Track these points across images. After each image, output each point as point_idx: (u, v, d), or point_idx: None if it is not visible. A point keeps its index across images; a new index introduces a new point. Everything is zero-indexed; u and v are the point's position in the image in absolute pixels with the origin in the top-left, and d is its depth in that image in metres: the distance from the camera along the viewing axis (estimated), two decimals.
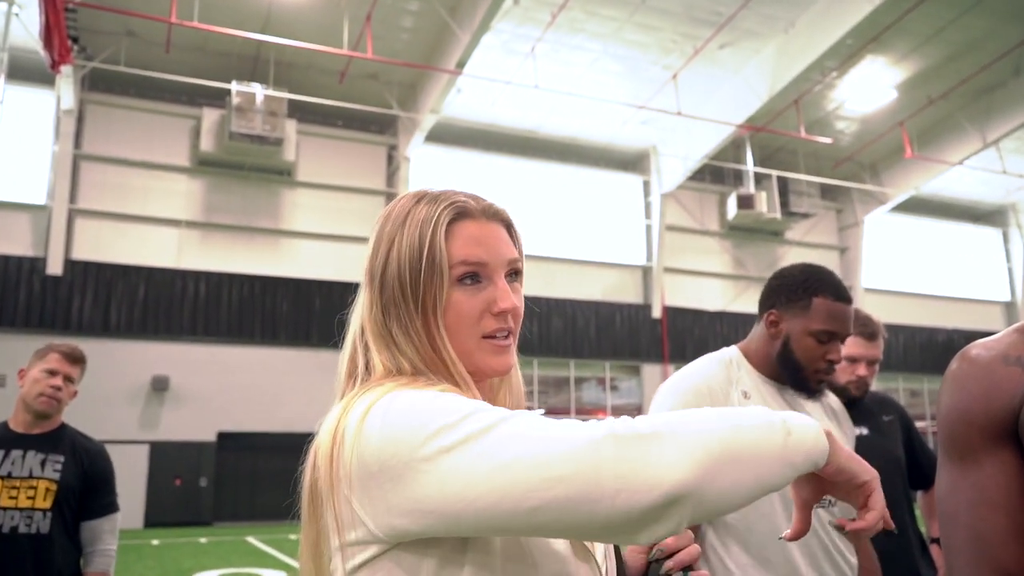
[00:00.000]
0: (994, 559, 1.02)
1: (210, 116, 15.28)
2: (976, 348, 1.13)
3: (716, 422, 0.79)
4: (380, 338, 0.96)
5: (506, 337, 0.97)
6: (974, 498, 1.06)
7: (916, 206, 21.44)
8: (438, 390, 0.87)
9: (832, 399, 2.10)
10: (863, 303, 20.47)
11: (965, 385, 1.10)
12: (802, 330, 1.88)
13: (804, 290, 1.92)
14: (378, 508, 0.80)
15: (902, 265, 22.08)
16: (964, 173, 19.12)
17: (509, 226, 1.02)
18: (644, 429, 0.76)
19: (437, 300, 0.93)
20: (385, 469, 0.79)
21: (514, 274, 0.99)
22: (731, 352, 2.00)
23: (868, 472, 0.89)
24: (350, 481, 0.82)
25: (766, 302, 1.99)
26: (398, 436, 0.80)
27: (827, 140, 17.11)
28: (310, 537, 0.91)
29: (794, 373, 1.90)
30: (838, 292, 1.90)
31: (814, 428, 0.85)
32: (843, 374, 2.72)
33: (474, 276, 0.95)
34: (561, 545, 0.88)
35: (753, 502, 0.81)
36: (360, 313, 1.00)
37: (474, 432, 0.78)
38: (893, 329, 20.21)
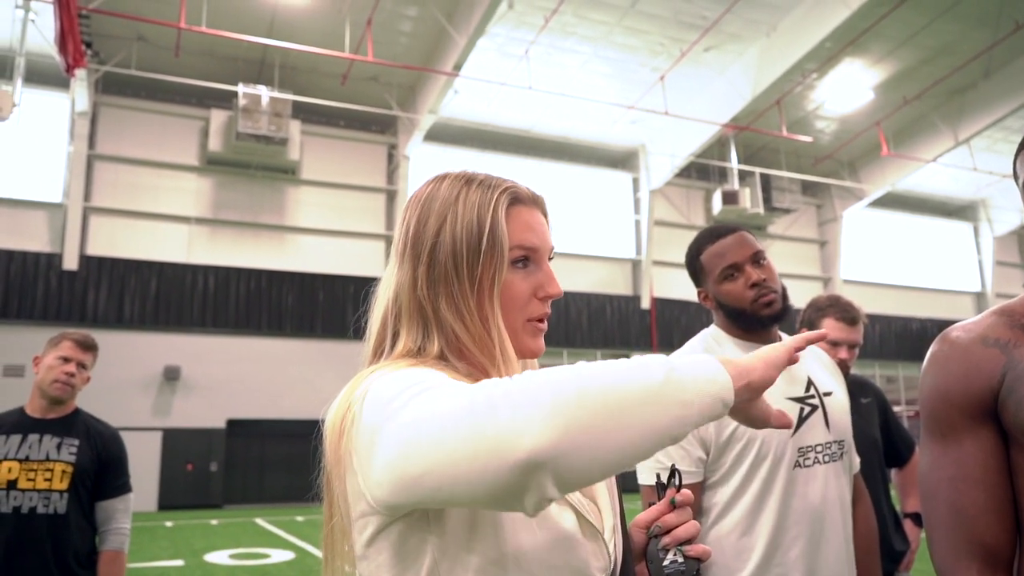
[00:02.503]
0: (973, 533, 1.03)
1: (218, 117, 15.23)
2: (956, 330, 1.13)
3: (576, 372, 0.70)
4: (419, 314, 0.93)
5: (542, 321, 0.96)
6: (954, 474, 1.06)
7: (892, 201, 21.51)
8: (425, 368, 0.84)
9: (823, 355, 2.04)
10: (841, 294, 20.52)
11: (946, 366, 1.11)
12: (715, 285, 1.86)
13: (694, 258, 1.92)
14: (368, 480, 0.76)
15: (878, 257, 22.13)
16: (937, 170, 19.16)
17: (545, 214, 1.02)
18: (498, 395, 0.68)
19: (496, 279, 0.91)
20: (367, 442, 0.76)
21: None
22: (710, 331, 1.96)
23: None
24: (352, 454, 0.80)
25: (696, 289, 1.98)
26: (373, 410, 0.77)
27: (808, 139, 17.13)
28: (325, 514, 0.90)
29: (743, 319, 1.85)
30: (714, 234, 1.88)
31: (706, 362, 0.75)
32: None
33: (525, 260, 0.95)
34: (569, 523, 0.84)
35: (655, 451, 0.70)
36: (392, 290, 0.96)
37: (395, 410, 0.73)
38: (870, 319, 20.05)
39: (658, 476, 1.00)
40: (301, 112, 15.75)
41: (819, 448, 1.78)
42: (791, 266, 20.29)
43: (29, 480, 2.58)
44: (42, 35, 12.08)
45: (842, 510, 1.80)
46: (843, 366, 2.70)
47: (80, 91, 13.77)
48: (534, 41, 14.12)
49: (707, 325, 1.98)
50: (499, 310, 0.91)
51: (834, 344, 2.70)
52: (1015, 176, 1.13)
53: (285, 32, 13.54)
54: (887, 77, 15.92)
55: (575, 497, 0.86)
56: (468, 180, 0.96)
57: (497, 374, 0.89)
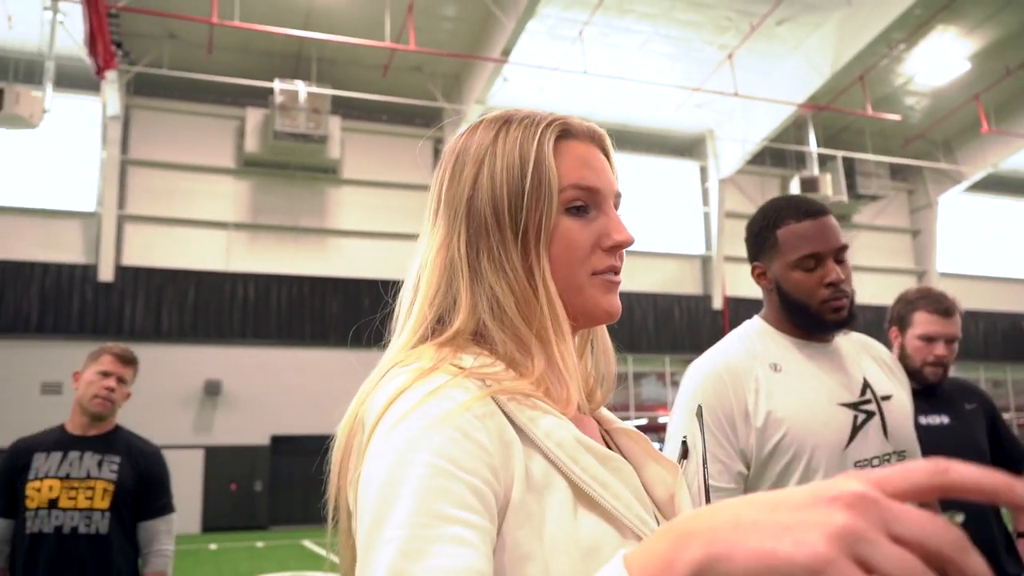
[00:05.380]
0: None
1: (254, 116, 15.57)
2: None
3: None
4: (451, 278, 0.84)
5: (616, 274, 0.86)
6: None
7: (994, 184, 20.80)
8: (449, 400, 0.72)
9: (884, 352, 1.93)
10: (938, 287, 19.94)
11: None
12: (784, 269, 1.75)
13: (767, 228, 1.78)
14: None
15: (980, 247, 21.43)
16: None
17: (608, 154, 0.92)
18: None
19: (543, 226, 0.81)
20: (363, 527, 0.68)
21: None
22: (754, 324, 1.87)
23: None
24: (352, 493, 0.75)
25: (750, 259, 1.86)
26: (373, 484, 0.69)
27: (896, 117, 16.68)
28: (332, 518, 0.84)
29: (804, 315, 1.76)
30: (800, 211, 1.74)
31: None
32: (919, 355, 2.63)
33: (583, 205, 0.85)
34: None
35: None
36: (422, 256, 0.88)
37: (388, 545, 0.64)
38: (973, 315, 19.66)
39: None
40: (341, 107, 15.99)
41: (876, 462, 1.69)
42: (880, 259, 19.80)
43: (70, 499, 2.68)
44: (71, 37, 12.52)
45: None
46: (940, 364, 2.61)
47: (111, 94, 14.23)
48: (588, 21, 14.08)
49: None
50: (547, 263, 0.82)
51: (929, 340, 2.62)
52: None
53: (322, 23, 13.77)
54: (985, 45, 15.42)
55: (648, 528, 0.75)
56: (507, 120, 0.88)
57: (546, 347, 0.81)
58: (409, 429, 0.70)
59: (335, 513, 0.82)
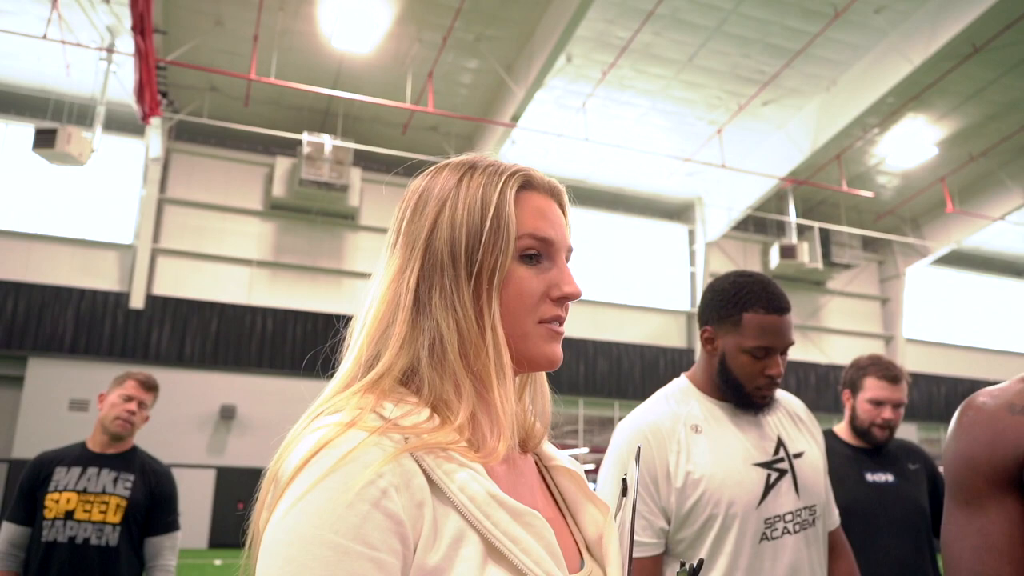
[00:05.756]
0: None
1: (282, 164, 15.71)
2: (983, 396, 1.11)
3: None
4: (398, 309, 0.79)
5: (560, 324, 0.82)
6: (979, 544, 1.02)
7: (958, 259, 20.90)
8: (367, 469, 0.67)
9: (798, 406, 1.91)
10: (905, 353, 19.90)
11: (971, 432, 1.08)
12: (736, 347, 1.71)
13: (734, 305, 1.73)
14: None
15: (944, 317, 21.43)
16: (1006, 228, 18.60)
17: (564, 211, 0.89)
18: None
19: (498, 269, 0.78)
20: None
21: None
22: (680, 383, 1.84)
23: None
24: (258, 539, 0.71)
25: (700, 318, 1.81)
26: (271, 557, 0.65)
27: (869, 194, 16.83)
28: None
29: (736, 391, 1.73)
30: (769, 304, 1.70)
31: None
32: (867, 416, 2.64)
33: (537, 255, 0.81)
34: None
35: None
36: (375, 287, 0.83)
37: None
38: (936, 380, 19.59)
39: (683, 565, 0.87)
40: (362, 160, 16.16)
41: (788, 517, 1.67)
42: (851, 323, 19.79)
43: (85, 511, 2.65)
44: (121, 85, 12.72)
45: None
46: (887, 426, 2.61)
47: (154, 138, 14.38)
48: (591, 94, 14.29)
49: None
50: (497, 306, 0.78)
51: (877, 403, 2.63)
52: None
53: (349, 84, 13.97)
54: (952, 133, 15.62)
55: None
56: (472, 165, 0.84)
57: (485, 390, 0.76)
58: (317, 503, 0.65)
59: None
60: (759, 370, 1.70)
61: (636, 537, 1.62)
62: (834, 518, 1.89)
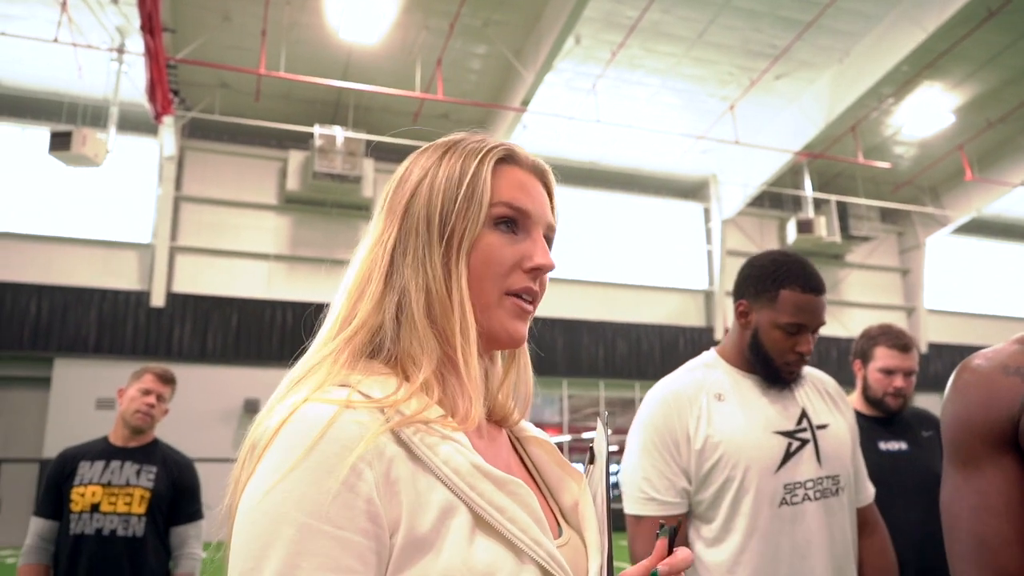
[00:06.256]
0: (996, 564, 1.00)
1: (295, 158, 15.75)
2: (978, 359, 1.13)
3: None
4: (374, 269, 0.82)
5: (530, 302, 0.83)
6: (977, 504, 1.04)
7: (978, 227, 20.61)
8: (339, 446, 0.67)
9: (829, 383, 1.96)
10: (927, 324, 19.71)
11: (967, 394, 1.10)
12: (770, 322, 1.78)
13: (772, 281, 1.81)
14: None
15: (966, 286, 21.18)
16: None
17: (550, 191, 0.90)
18: None
19: (467, 233, 0.79)
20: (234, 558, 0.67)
21: (547, 241, 0.87)
22: (708, 355, 1.93)
23: None
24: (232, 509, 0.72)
25: (736, 292, 1.89)
26: (244, 535, 0.66)
27: (886, 165, 16.63)
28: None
29: (765, 365, 1.80)
30: (806, 283, 1.78)
31: None
32: (879, 386, 2.64)
33: (512, 223, 0.83)
34: None
35: None
36: (360, 251, 0.87)
37: None
38: (959, 350, 19.38)
39: (663, 526, 0.85)
40: (374, 151, 16.16)
41: (809, 484, 1.71)
42: (871, 295, 19.61)
43: (110, 504, 2.69)
44: (134, 85, 12.78)
45: (833, 547, 1.70)
46: (900, 394, 2.61)
47: (168, 136, 14.46)
48: (601, 75, 14.19)
49: None
50: (465, 270, 0.79)
51: (888, 372, 2.64)
52: None
53: (359, 75, 13.96)
54: (968, 99, 15.38)
55: (543, 549, 0.72)
56: (459, 140, 0.87)
57: (450, 350, 0.77)
58: (287, 481, 0.65)
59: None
60: (790, 346, 1.77)
61: (661, 497, 1.72)
62: (866, 494, 1.92)
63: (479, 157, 0.83)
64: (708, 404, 1.76)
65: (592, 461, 0.86)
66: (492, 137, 0.88)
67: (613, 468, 0.89)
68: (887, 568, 1.88)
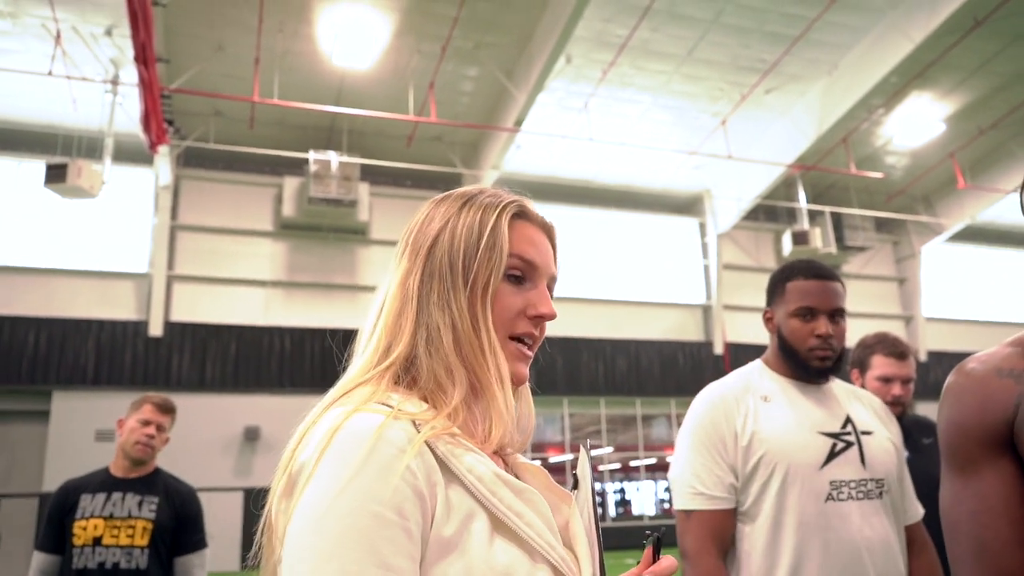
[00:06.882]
0: (997, 566, 1.00)
1: (290, 184, 15.80)
2: (972, 362, 1.14)
3: None
4: (402, 307, 0.89)
5: (530, 346, 0.92)
6: (976, 507, 1.04)
7: (973, 235, 20.68)
8: (393, 447, 0.74)
9: (876, 402, 2.02)
10: (925, 333, 19.72)
11: (961, 398, 1.10)
12: (785, 315, 1.89)
13: (780, 280, 1.95)
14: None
15: (963, 293, 21.22)
16: (1019, 200, 18.40)
17: (554, 245, 0.99)
18: None
19: (491, 280, 0.88)
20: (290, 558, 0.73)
21: (549, 290, 0.95)
22: (755, 364, 2.00)
23: None
24: (282, 522, 0.78)
25: (766, 307, 2.01)
26: (305, 523, 0.72)
27: (878, 175, 16.71)
28: (265, 542, 0.86)
29: (793, 358, 1.88)
30: (810, 271, 1.90)
31: None
32: (877, 394, 2.64)
33: (521, 276, 0.91)
34: None
35: None
36: (384, 288, 0.94)
37: None
38: (958, 357, 19.37)
39: (648, 534, 0.89)
40: (369, 175, 16.21)
41: (852, 484, 1.77)
42: (869, 305, 19.63)
43: (113, 536, 2.67)
44: (128, 116, 12.84)
45: (884, 549, 1.74)
46: (898, 403, 2.61)
47: (163, 166, 14.50)
48: (593, 93, 14.28)
49: None
50: (491, 313, 0.87)
51: (886, 380, 2.64)
52: (1022, 206, 1.13)
53: (352, 99, 14.04)
54: (959, 108, 15.49)
55: (556, 552, 0.79)
56: (475, 194, 0.96)
57: (483, 380, 0.85)
58: (355, 478, 0.72)
59: (261, 547, 0.85)
60: (808, 331, 1.85)
61: (710, 492, 1.80)
62: (915, 511, 1.96)
63: (497, 212, 0.91)
64: (755, 405, 1.85)
65: (576, 486, 0.92)
66: (506, 193, 0.96)
67: (598, 487, 0.92)
68: None
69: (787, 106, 15.17)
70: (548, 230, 0.98)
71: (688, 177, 17.83)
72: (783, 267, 1.98)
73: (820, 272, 1.90)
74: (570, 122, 15.00)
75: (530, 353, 0.92)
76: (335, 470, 0.73)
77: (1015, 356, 1.10)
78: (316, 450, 0.76)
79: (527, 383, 0.96)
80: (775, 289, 1.96)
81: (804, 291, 1.87)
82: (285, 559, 0.73)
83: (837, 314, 1.87)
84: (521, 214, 0.94)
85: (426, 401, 0.85)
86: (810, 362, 1.85)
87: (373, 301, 0.96)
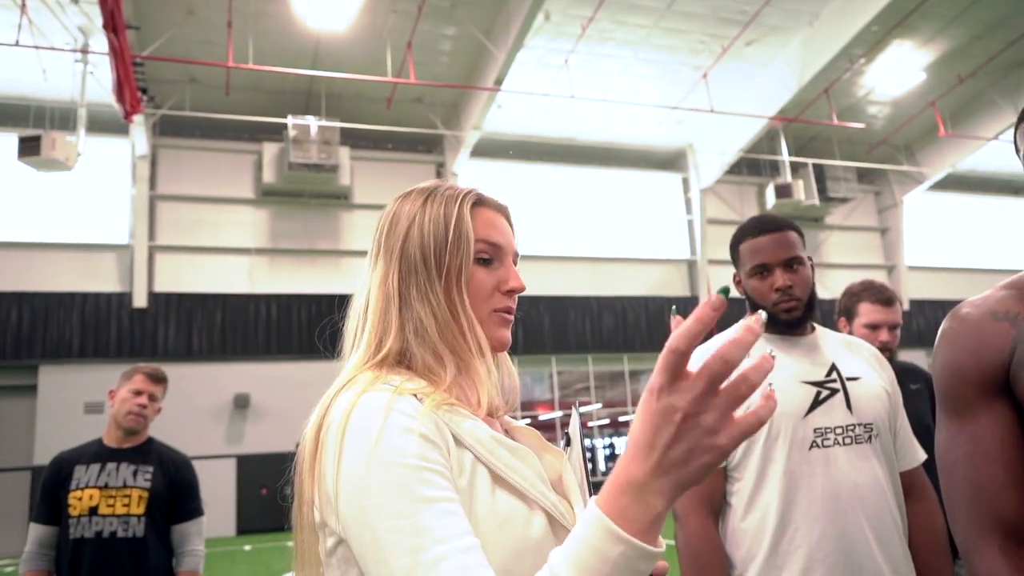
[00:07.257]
0: (993, 509, 1.01)
1: (270, 150, 15.62)
2: (966, 306, 1.14)
3: None
4: (386, 306, 0.98)
5: (510, 313, 1.01)
6: (971, 451, 1.04)
7: (954, 183, 20.80)
8: (405, 415, 0.84)
9: (869, 349, 2.03)
10: (908, 281, 19.93)
11: (956, 342, 1.10)
12: (745, 277, 1.93)
13: (734, 246, 1.97)
14: (335, 511, 0.83)
15: (945, 242, 21.41)
16: (1000, 147, 18.47)
17: (510, 222, 1.07)
18: None
19: (463, 269, 0.96)
20: (350, 505, 0.81)
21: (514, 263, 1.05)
22: (739, 325, 2.02)
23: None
24: (324, 477, 0.85)
25: (733, 275, 2.05)
26: (354, 462, 0.81)
27: (860, 125, 16.72)
28: (295, 516, 0.93)
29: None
30: (757, 228, 1.92)
31: (597, 546, 0.64)
32: (865, 341, 2.68)
33: (489, 257, 1.00)
34: (538, 530, 0.86)
35: None
36: (365, 289, 1.03)
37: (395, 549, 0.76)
38: (941, 305, 19.62)
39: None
40: (349, 139, 16.05)
41: (839, 430, 1.78)
42: (853, 256, 19.78)
43: (109, 506, 2.69)
44: (100, 85, 12.60)
45: (875, 492, 1.75)
46: (886, 348, 2.64)
47: (139, 136, 14.29)
48: (573, 50, 14.13)
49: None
50: (467, 298, 0.96)
51: (873, 327, 2.67)
52: (1016, 149, 1.11)
53: (329, 62, 13.83)
54: (939, 56, 15.46)
55: (548, 499, 0.88)
56: (434, 190, 1.03)
57: (467, 359, 0.95)
58: (380, 445, 0.81)
59: (298, 509, 0.92)
60: (767, 287, 1.88)
61: None
62: (913, 456, 1.96)
63: (458, 203, 0.99)
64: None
65: (569, 444, 1.00)
66: (460, 185, 1.04)
67: (588, 443, 0.98)
68: (936, 532, 1.90)
69: (768, 58, 15.09)
70: (504, 211, 1.06)
71: (670, 132, 17.77)
72: (737, 230, 1.99)
73: (767, 226, 1.91)
74: (551, 80, 14.86)
75: (510, 318, 1.01)
76: (360, 443, 0.82)
77: (1010, 298, 1.10)
78: (337, 431, 0.85)
79: (506, 351, 1.05)
80: (733, 254, 1.98)
81: (755, 249, 1.89)
82: (350, 538, 0.81)
83: (793, 262, 1.87)
84: (479, 202, 1.02)
85: (423, 380, 0.94)
86: (778, 316, 1.87)
87: (353, 302, 1.05)
